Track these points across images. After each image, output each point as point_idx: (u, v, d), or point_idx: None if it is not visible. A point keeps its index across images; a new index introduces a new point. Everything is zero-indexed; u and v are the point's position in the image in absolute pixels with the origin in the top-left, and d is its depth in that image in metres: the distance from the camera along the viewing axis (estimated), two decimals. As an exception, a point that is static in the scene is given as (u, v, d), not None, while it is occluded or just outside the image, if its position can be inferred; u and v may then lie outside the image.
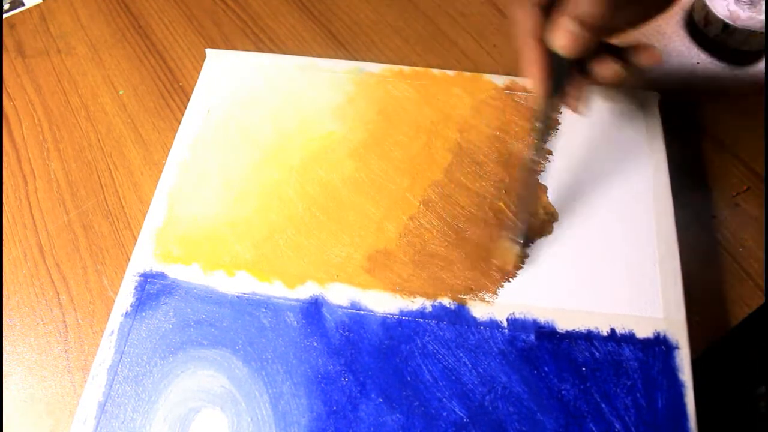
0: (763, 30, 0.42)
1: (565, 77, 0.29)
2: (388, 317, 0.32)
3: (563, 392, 0.30)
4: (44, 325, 0.35)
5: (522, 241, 0.33)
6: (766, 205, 0.37)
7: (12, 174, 0.41)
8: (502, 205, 0.34)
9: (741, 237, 0.36)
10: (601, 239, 0.34)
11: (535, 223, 0.34)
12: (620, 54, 0.30)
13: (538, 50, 0.28)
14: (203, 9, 0.49)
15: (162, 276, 0.34)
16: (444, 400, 0.30)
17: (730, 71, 0.43)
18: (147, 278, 0.34)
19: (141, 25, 0.48)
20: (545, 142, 0.31)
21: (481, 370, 0.31)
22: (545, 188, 0.35)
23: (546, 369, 0.31)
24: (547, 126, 0.30)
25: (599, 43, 0.30)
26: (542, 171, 0.32)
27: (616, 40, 0.30)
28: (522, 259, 0.34)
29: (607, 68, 0.29)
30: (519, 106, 0.39)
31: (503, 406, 0.30)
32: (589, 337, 0.31)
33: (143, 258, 0.35)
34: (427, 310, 0.33)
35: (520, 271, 0.33)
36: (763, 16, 0.42)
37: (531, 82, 0.29)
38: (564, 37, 0.26)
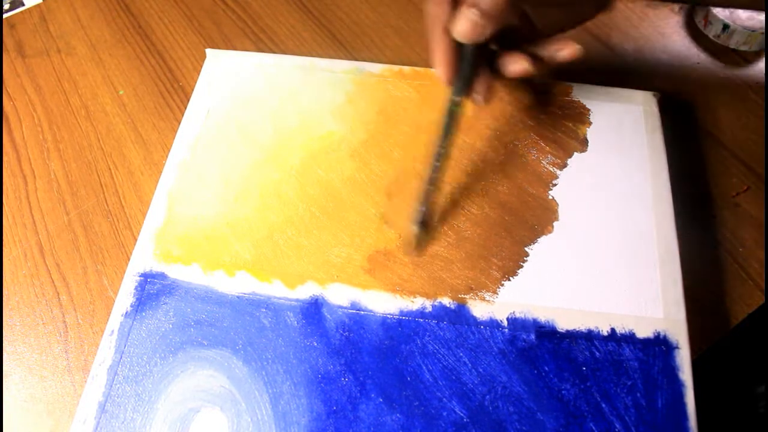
0: (763, 30, 0.42)
1: (470, 69, 0.29)
2: (388, 317, 0.32)
3: (563, 392, 0.30)
4: (44, 325, 0.35)
5: (420, 226, 0.34)
6: (766, 205, 0.37)
7: (12, 174, 0.41)
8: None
9: (741, 237, 0.36)
10: (601, 239, 0.34)
11: (432, 214, 0.35)
12: (538, 47, 0.31)
13: (443, 40, 0.29)
14: (203, 9, 0.49)
15: (162, 276, 0.34)
16: (444, 399, 0.30)
17: (730, 71, 0.43)
18: (147, 278, 0.34)
19: (141, 25, 0.48)
20: (449, 134, 0.31)
21: (481, 370, 0.31)
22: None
23: (546, 368, 0.31)
24: (451, 117, 0.30)
25: (515, 39, 0.31)
26: (446, 161, 0.32)
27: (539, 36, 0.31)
28: (419, 240, 0.34)
29: (514, 63, 0.30)
30: (519, 105, 0.39)
31: (503, 406, 0.30)
32: (590, 336, 0.31)
33: (143, 258, 0.35)
34: (427, 310, 0.33)
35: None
36: (763, 16, 0.42)
37: (436, 71, 0.30)
38: (462, 24, 0.27)
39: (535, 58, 0.30)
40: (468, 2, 0.27)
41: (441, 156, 0.32)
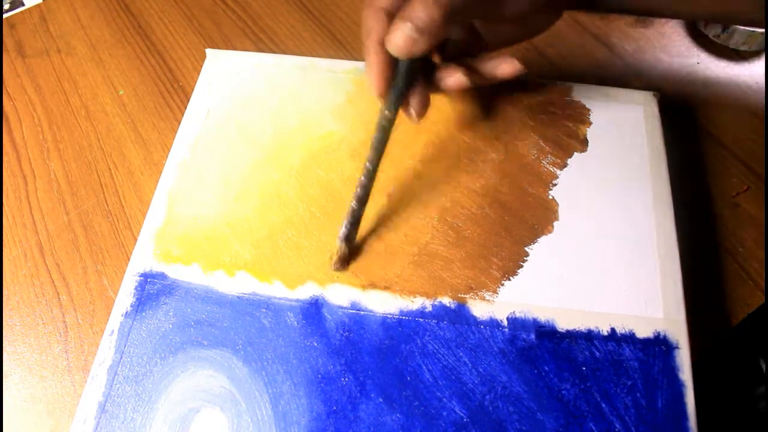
0: (763, 30, 0.42)
1: (404, 84, 0.29)
2: (388, 317, 0.32)
3: (563, 392, 0.30)
4: (44, 325, 0.35)
5: (345, 239, 0.33)
6: (766, 205, 0.37)
7: (12, 174, 0.41)
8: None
9: (741, 237, 0.36)
10: (601, 239, 0.34)
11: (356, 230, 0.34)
12: (477, 62, 0.30)
13: (378, 53, 0.29)
14: (203, 9, 0.49)
15: (162, 276, 0.34)
16: (444, 399, 0.30)
17: (730, 71, 0.43)
18: (147, 278, 0.34)
19: (141, 25, 0.48)
20: (380, 149, 0.30)
21: (481, 370, 0.31)
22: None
23: (546, 368, 0.31)
24: (384, 132, 0.30)
25: (459, 53, 0.31)
26: (374, 177, 0.32)
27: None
28: (343, 254, 0.33)
29: (450, 76, 0.30)
30: (519, 105, 0.39)
31: (503, 406, 0.30)
32: (590, 336, 0.31)
33: (143, 258, 0.35)
34: (427, 310, 0.33)
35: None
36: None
37: (368, 84, 0.29)
38: (396, 39, 0.27)
39: (472, 71, 0.30)
40: (403, 16, 0.27)
41: (370, 172, 0.31)
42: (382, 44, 0.28)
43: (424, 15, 0.26)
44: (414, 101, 0.30)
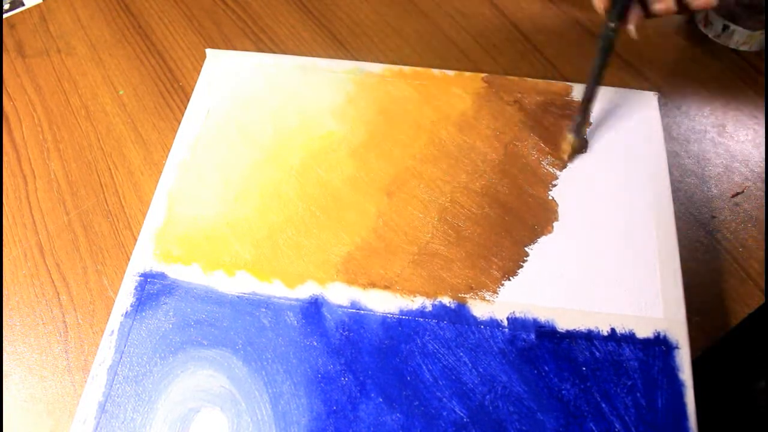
0: (763, 30, 0.42)
1: (625, 4, 0.32)
2: (388, 317, 0.32)
3: (563, 392, 0.30)
4: (44, 325, 0.35)
5: (576, 132, 0.37)
6: (766, 205, 0.37)
7: (12, 174, 0.41)
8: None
9: (741, 237, 0.36)
10: (601, 239, 0.34)
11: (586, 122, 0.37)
12: None
13: None
14: (203, 9, 0.49)
15: (162, 276, 0.34)
16: (444, 399, 0.30)
17: (730, 71, 0.43)
18: (147, 278, 0.34)
19: (141, 25, 0.48)
20: (605, 58, 0.33)
21: (481, 370, 0.31)
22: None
23: (546, 368, 0.31)
24: (607, 42, 0.33)
25: None
26: (600, 82, 0.35)
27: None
28: (575, 147, 0.37)
29: (662, 2, 0.32)
30: (519, 105, 0.40)
31: (503, 406, 0.30)
32: (590, 336, 0.31)
33: (143, 258, 0.35)
34: (427, 310, 0.33)
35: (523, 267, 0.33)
36: (763, 16, 0.42)
37: (596, 2, 0.32)
38: None
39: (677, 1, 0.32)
40: None
41: (596, 77, 0.34)
42: None
43: None
44: (632, 17, 0.32)
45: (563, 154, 0.37)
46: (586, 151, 0.38)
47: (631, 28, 0.32)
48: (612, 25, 0.32)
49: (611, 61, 0.34)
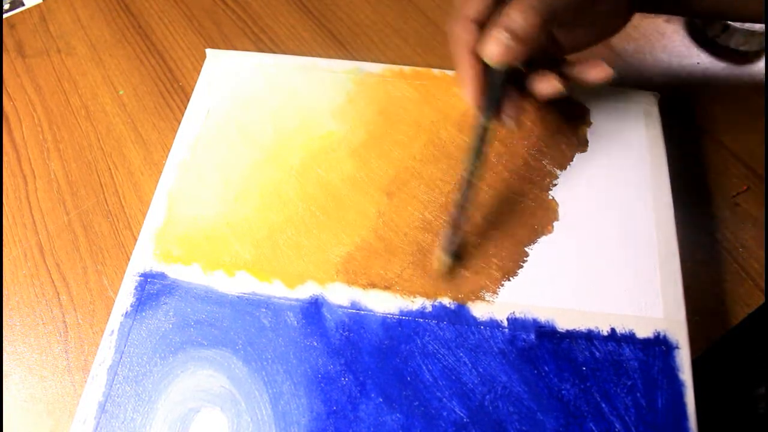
0: (763, 30, 0.42)
1: (499, 92, 0.28)
2: (388, 317, 0.32)
3: (563, 392, 0.30)
4: (44, 325, 0.35)
5: (449, 252, 0.33)
6: (766, 205, 0.37)
7: (12, 174, 0.41)
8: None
9: (741, 237, 0.36)
10: (601, 239, 0.34)
11: (463, 239, 0.34)
12: (565, 68, 0.30)
13: (471, 64, 0.28)
14: (203, 9, 0.49)
15: (162, 276, 0.34)
16: (444, 399, 0.30)
17: (730, 71, 0.43)
18: (147, 278, 0.34)
19: (141, 25, 0.48)
20: (479, 158, 0.30)
21: (481, 370, 0.31)
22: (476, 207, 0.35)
23: (546, 368, 0.31)
24: (481, 141, 0.29)
25: (541, 60, 0.30)
26: (476, 186, 0.31)
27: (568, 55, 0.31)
28: (448, 269, 0.33)
29: (546, 84, 0.29)
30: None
31: (503, 406, 0.30)
32: (590, 336, 0.31)
33: (143, 258, 0.35)
34: (427, 310, 0.33)
35: (516, 275, 0.33)
36: (762, 16, 0.42)
37: (465, 96, 0.29)
38: (493, 48, 0.26)
39: (564, 78, 0.30)
40: (498, 24, 0.26)
41: (471, 182, 0.30)
42: (474, 54, 0.28)
43: (521, 22, 0.26)
44: (509, 109, 0.30)
45: (437, 273, 0.33)
46: (461, 261, 0.33)
47: (508, 120, 0.29)
48: (484, 122, 0.29)
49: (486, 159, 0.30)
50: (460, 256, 0.34)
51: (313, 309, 0.33)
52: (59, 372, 0.34)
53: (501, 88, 0.28)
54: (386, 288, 0.33)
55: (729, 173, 0.39)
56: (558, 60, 0.31)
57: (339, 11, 0.48)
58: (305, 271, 0.34)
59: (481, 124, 0.29)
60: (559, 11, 0.27)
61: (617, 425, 0.29)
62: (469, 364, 0.31)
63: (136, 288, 0.34)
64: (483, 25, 0.28)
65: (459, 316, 0.32)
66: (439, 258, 0.33)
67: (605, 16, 0.31)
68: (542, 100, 0.29)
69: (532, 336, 0.32)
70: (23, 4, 0.51)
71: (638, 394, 0.30)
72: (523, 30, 0.26)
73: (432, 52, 0.45)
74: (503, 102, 0.29)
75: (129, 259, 0.35)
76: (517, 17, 0.26)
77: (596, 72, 0.30)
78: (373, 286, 0.33)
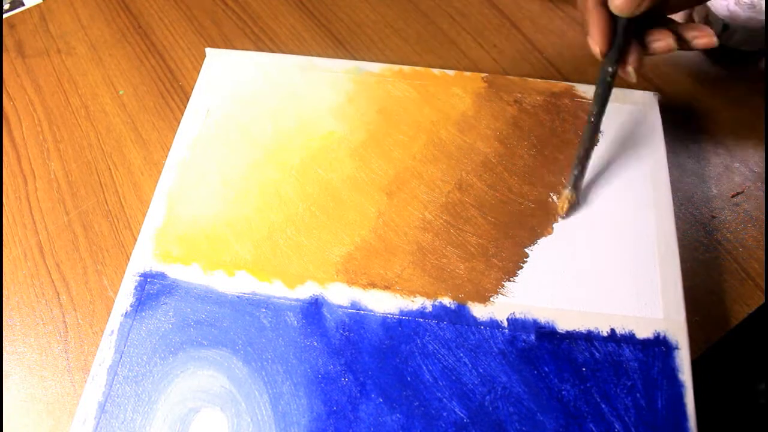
0: (763, 30, 0.42)
1: (623, 43, 0.30)
2: (388, 317, 0.32)
3: (563, 392, 0.30)
4: (44, 325, 0.35)
5: (573, 187, 0.35)
6: (766, 205, 0.37)
7: (12, 174, 0.41)
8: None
9: (741, 237, 0.36)
10: (601, 239, 0.34)
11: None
12: (677, 30, 0.31)
13: (599, 13, 0.30)
14: (203, 9, 0.49)
15: (162, 276, 0.34)
16: (444, 400, 0.30)
17: (730, 71, 0.43)
18: (147, 278, 0.34)
19: (141, 25, 0.48)
20: (604, 103, 0.32)
21: (481, 370, 0.31)
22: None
23: (546, 369, 0.31)
24: (607, 87, 0.31)
25: (658, 19, 0.31)
26: (599, 128, 0.34)
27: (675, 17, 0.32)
28: (572, 202, 0.35)
29: (661, 41, 0.31)
30: (519, 105, 0.39)
31: (503, 406, 0.30)
32: (589, 337, 0.31)
33: (143, 258, 0.35)
34: (427, 310, 0.33)
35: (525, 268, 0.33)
36: (763, 17, 0.42)
37: (592, 45, 0.30)
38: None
39: (678, 37, 0.31)
40: None
41: (595, 123, 0.33)
42: (601, 5, 0.30)
43: None
44: (631, 59, 0.31)
45: (560, 210, 0.35)
46: (580, 205, 0.36)
47: (630, 70, 0.31)
48: (610, 69, 0.31)
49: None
50: (577, 189, 0.35)
51: (313, 309, 0.33)
52: (59, 372, 0.34)
53: (625, 38, 0.30)
54: (386, 288, 0.33)
55: (729, 173, 0.39)
56: (669, 20, 0.32)
57: (339, 11, 0.48)
58: (305, 271, 0.34)
59: (608, 70, 0.31)
60: None
61: (617, 426, 0.29)
62: (469, 365, 0.31)
63: (136, 288, 0.34)
64: None
65: (459, 316, 0.32)
66: (565, 195, 0.35)
67: None
68: (656, 55, 0.31)
69: (532, 336, 0.32)
70: (23, 4, 0.51)
71: (638, 395, 0.30)
72: None
73: (432, 52, 0.45)
74: (626, 51, 0.31)
75: (129, 259, 0.35)
76: None
77: (705, 38, 0.31)
78: (373, 285, 0.33)
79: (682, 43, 0.31)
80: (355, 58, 0.45)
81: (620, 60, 0.31)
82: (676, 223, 0.34)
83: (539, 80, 0.40)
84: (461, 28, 0.46)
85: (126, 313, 0.33)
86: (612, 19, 0.30)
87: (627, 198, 0.36)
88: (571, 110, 0.39)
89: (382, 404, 0.30)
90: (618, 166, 0.37)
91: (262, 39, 0.47)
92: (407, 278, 0.34)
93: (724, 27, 0.43)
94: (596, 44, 0.31)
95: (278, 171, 0.38)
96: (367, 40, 0.46)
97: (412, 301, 0.33)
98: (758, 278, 0.35)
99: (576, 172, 0.35)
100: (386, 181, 0.37)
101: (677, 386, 0.30)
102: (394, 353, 0.31)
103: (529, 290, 0.33)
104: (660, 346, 0.31)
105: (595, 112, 0.32)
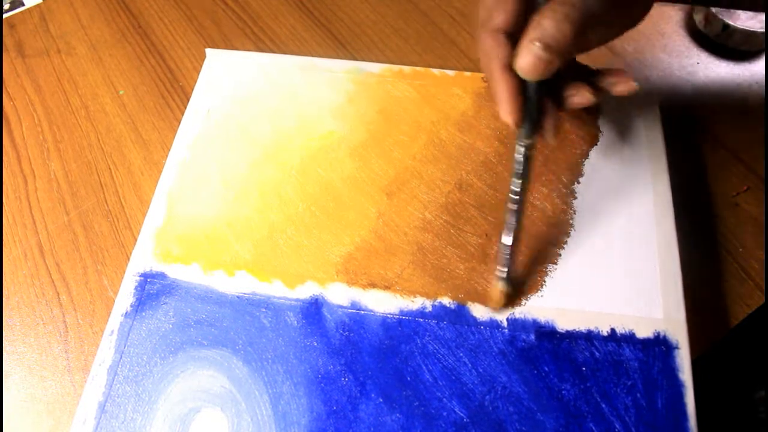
0: (763, 30, 0.42)
1: (536, 106, 0.27)
2: (388, 317, 0.32)
3: (563, 392, 0.30)
4: (44, 325, 0.35)
5: (506, 278, 0.32)
6: (766, 205, 0.37)
7: (12, 174, 0.41)
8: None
9: (741, 237, 0.36)
10: (601, 239, 0.34)
11: (518, 262, 0.33)
12: (592, 77, 0.29)
13: (507, 79, 0.27)
14: (203, 9, 0.49)
15: (162, 276, 0.34)
16: (444, 400, 0.30)
17: (730, 71, 0.43)
18: (147, 278, 0.34)
19: (141, 25, 0.48)
20: (525, 180, 0.29)
21: (481, 370, 0.31)
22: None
23: (546, 369, 0.31)
24: (525, 162, 0.28)
25: (570, 68, 0.29)
26: (524, 209, 0.30)
27: (590, 63, 0.30)
28: (506, 297, 0.32)
29: (577, 96, 0.28)
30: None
31: (503, 406, 0.30)
32: (589, 337, 0.31)
33: (143, 258, 0.35)
34: (427, 310, 0.33)
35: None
36: (763, 17, 0.42)
37: (504, 115, 0.27)
38: (528, 60, 0.25)
39: (594, 88, 0.29)
40: (530, 36, 0.25)
41: (519, 203, 0.29)
42: (508, 68, 0.26)
43: (554, 32, 0.24)
44: (548, 123, 0.28)
45: (495, 304, 0.32)
46: (518, 295, 0.32)
47: (550, 135, 0.28)
48: (528, 141, 0.27)
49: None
50: (514, 282, 0.32)
51: (313, 309, 0.33)
52: (59, 372, 0.34)
53: (538, 101, 0.27)
54: (386, 288, 0.33)
55: (729, 173, 0.39)
56: (582, 67, 0.30)
57: (339, 11, 0.48)
58: (305, 271, 0.34)
59: (524, 142, 0.28)
60: (594, 15, 0.25)
61: (617, 425, 0.29)
62: (469, 364, 0.31)
63: (136, 288, 0.34)
64: (513, 36, 0.27)
65: (459, 316, 0.32)
66: (497, 288, 0.32)
67: (631, 10, 0.29)
68: (572, 110, 0.28)
69: (532, 336, 0.32)
70: (23, 4, 0.51)
71: (638, 395, 0.30)
72: (556, 41, 0.24)
73: (432, 52, 0.45)
74: (542, 116, 0.28)
75: (129, 259, 0.35)
76: (549, 26, 0.24)
77: (622, 85, 0.29)
78: (373, 286, 0.33)
79: (599, 93, 0.29)
80: (355, 59, 0.45)
81: (536, 130, 0.28)
82: (676, 223, 0.34)
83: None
84: (461, 28, 0.47)
85: (126, 313, 0.33)
86: (521, 82, 0.27)
87: (627, 198, 0.36)
88: (571, 110, 0.39)
89: (382, 404, 0.30)
90: (618, 165, 0.37)
91: (262, 39, 0.47)
92: (407, 278, 0.34)
93: (724, 27, 0.43)
94: (507, 114, 0.27)
95: (278, 171, 0.38)
96: (367, 41, 0.46)
97: (412, 301, 0.33)
98: (758, 278, 0.35)
99: (507, 262, 0.31)
100: (386, 181, 0.37)
101: (677, 386, 0.30)
102: (394, 353, 0.31)
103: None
104: (660, 346, 0.31)
105: (518, 192, 0.29)
